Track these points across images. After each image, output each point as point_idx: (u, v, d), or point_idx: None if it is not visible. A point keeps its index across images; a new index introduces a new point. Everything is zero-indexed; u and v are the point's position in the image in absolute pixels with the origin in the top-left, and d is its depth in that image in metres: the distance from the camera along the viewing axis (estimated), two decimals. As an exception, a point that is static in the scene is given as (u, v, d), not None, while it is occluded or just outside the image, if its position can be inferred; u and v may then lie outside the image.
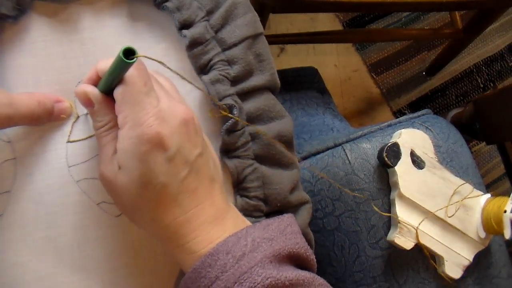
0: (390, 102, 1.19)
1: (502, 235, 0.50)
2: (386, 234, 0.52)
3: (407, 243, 0.50)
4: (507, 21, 1.30)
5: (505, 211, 0.50)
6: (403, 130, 0.53)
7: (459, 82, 1.24)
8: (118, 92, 0.29)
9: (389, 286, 0.53)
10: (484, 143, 1.22)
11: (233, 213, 0.33)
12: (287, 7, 0.70)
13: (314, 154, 0.58)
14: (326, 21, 1.18)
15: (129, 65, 0.27)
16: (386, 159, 0.51)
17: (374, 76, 1.18)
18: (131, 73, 0.29)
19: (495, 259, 0.56)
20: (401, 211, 0.50)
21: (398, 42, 1.20)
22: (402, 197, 0.51)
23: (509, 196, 0.51)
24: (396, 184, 0.51)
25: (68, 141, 0.34)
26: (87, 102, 0.31)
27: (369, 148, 0.54)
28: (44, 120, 0.33)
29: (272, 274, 0.28)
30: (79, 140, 0.34)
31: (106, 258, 0.34)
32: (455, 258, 0.52)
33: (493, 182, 1.22)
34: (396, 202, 0.51)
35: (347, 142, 0.56)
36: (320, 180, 0.55)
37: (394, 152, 0.51)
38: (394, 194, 0.52)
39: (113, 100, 0.30)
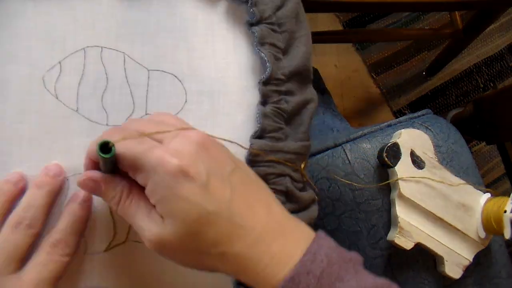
0: (390, 102, 1.19)
1: (502, 235, 0.50)
2: (386, 234, 0.52)
3: (407, 243, 0.50)
4: (507, 21, 1.30)
5: (505, 211, 0.50)
6: (403, 130, 0.53)
7: (459, 82, 1.24)
8: (125, 169, 0.28)
9: (389, 286, 0.53)
10: (484, 143, 1.22)
11: (293, 217, 0.31)
12: (287, 7, 0.70)
13: (314, 154, 0.58)
14: (326, 21, 1.18)
15: (110, 157, 0.27)
16: (386, 159, 0.51)
17: (374, 76, 1.18)
18: (123, 147, 0.27)
19: (495, 259, 0.56)
20: (401, 211, 0.50)
21: (398, 42, 1.20)
22: (402, 197, 0.51)
23: (509, 196, 0.51)
24: (396, 184, 0.51)
25: None
26: (96, 187, 0.29)
27: (369, 148, 0.54)
28: None
29: (352, 286, 0.28)
30: None
31: None
32: (455, 258, 0.52)
33: (493, 182, 1.22)
34: (396, 202, 0.51)
35: (347, 142, 0.56)
36: (320, 180, 0.55)
37: (394, 152, 0.51)
38: (394, 194, 0.52)
39: (115, 172, 0.29)
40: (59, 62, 0.35)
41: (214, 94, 0.38)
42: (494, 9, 0.83)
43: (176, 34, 0.38)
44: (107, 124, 0.35)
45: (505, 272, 0.57)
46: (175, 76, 0.37)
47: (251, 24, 0.38)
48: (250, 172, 0.31)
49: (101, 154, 0.26)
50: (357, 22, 1.19)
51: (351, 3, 0.69)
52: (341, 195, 0.53)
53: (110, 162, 0.29)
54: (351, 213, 0.53)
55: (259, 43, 0.37)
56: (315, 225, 0.55)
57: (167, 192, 0.27)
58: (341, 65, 1.17)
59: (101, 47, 0.36)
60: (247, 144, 0.36)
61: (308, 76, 0.40)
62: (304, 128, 0.38)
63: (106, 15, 0.36)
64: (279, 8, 0.38)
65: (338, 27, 1.18)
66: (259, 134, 0.37)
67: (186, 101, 0.37)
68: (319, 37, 0.88)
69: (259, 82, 0.38)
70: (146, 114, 0.36)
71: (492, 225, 0.51)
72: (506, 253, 0.58)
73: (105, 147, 0.27)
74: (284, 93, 0.38)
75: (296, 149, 0.37)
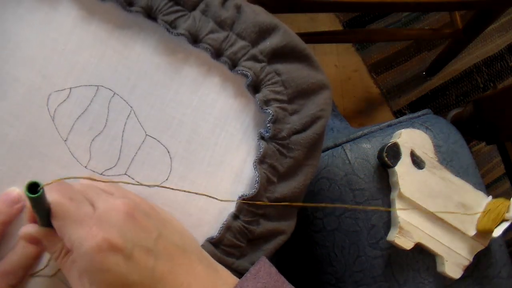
0: (390, 102, 1.19)
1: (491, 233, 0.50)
2: (386, 234, 0.52)
3: (407, 243, 0.50)
4: (507, 21, 1.29)
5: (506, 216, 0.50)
6: (403, 130, 0.53)
7: (459, 82, 1.24)
8: (52, 221, 0.29)
9: (389, 286, 0.53)
10: (484, 143, 1.22)
11: (221, 275, 0.33)
12: (287, 7, 0.70)
13: (314, 154, 0.58)
14: (326, 21, 1.18)
15: (39, 198, 0.27)
16: (386, 159, 0.51)
17: (374, 76, 1.18)
18: (53, 197, 0.28)
19: (495, 259, 0.56)
20: (401, 211, 0.50)
21: (398, 42, 1.20)
22: (402, 197, 0.51)
23: (509, 199, 0.51)
24: (396, 184, 0.51)
25: None
26: (35, 241, 0.30)
27: (369, 148, 0.54)
28: None
29: None
30: None
31: None
32: (455, 258, 0.52)
33: (493, 182, 1.22)
34: (396, 202, 0.51)
35: (347, 142, 0.56)
36: (320, 180, 0.55)
37: (394, 152, 0.51)
38: (394, 194, 0.52)
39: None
40: (70, 88, 0.35)
41: (196, 185, 0.37)
42: (494, 9, 0.83)
43: (187, 111, 0.37)
44: (85, 167, 0.35)
45: (505, 272, 0.57)
46: (168, 152, 0.36)
47: (262, 137, 0.37)
48: (174, 234, 0.32)
49: (28, 193, 0.26)
50: (357, 22, 1.19)
51: (351, 3, 0.69)
52: (341, 195, 0.53)
53: (41, 211, 0.28)
54: (351, 213, 0.53)
55: (260, 160, 0.36)
56: (315, 225, 0.55)
57: (92, 264, 0.28)
58: (341, 65, 1.17)
59: (114, 93, 0.35)
60: (201, 242, 0.36)
61: (294, 207, 0.38)
62: (265, 255, 0.36)
63: (133, 64, 0.36)
64: (296, 132, 0.37)
65: (338, 27, 1.18)
66: (214, 242, 0.36)
67: (166, 179, 0.36)
68: (319, 37, 0.88)
69: (239, 197, 0.36)
70: (125, 173, 0.36)
71: (487, 226, 0.51)
72: (506, 253, 0.58)
73: (34, 189, 0.26)
74: (260, 215, 0.37)
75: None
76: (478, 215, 0.53)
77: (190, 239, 0.34)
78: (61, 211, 0.28)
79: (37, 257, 0.33)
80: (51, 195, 0.29)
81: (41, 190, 0.26)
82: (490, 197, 0.54)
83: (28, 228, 0.30)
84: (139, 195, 0.34)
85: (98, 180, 0.33)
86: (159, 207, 0.35)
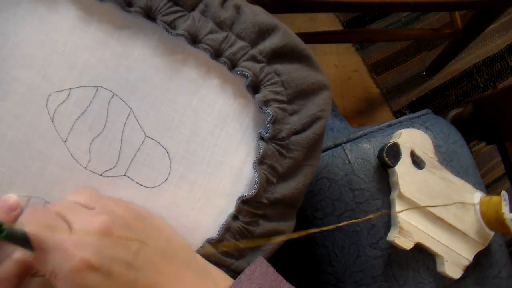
0: (390, 102, 1.19)
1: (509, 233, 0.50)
2: (386, 234, 0.52)
3: (407, 243, 0.50)
4: (507, 21, 1.29)
5: (503, 213, 0.49)
6: (403, 130, 0.53)
7: (459, 82, 1.24)
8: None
9: (389, 286, 0.52)
10: (484, 143, 1.22)
11: (214, 278, 0.32)
12: (287, 7, 0.70)
13: (314, 154, 0.58)
14: (326, 21, 1.18)
15: (8, 236, 0.27)
16: (386, 159, 0.51)
17: (374, 76, 1.18)
18: (27, 228, 0.28)
19: (495, 259, 0.56)
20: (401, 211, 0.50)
21: (398, 42, 1.20)
22: (402, 197, 0.51)
23: (500, 195, 0.51)
24: (396, 184, 0.51)
25: None
26: (27, 265, 0.31)
27: (369, 148, 0.54)
28: None
29: None
30: None
31: None
32: (455, 258, 0.52)
33: (493, 182, 1.22)
34: (396, 202, 0.51)
35: (347, 142, 0.56)
36: (320, 180, 0.55)
37: (394, 152, 0.51)
38: (394, 194, 0.52)
39: None
40: (70, 89, 0.34)
41: (196, 186, 0.37)
42: (494, 9, 0.83)
43: (187, 112, 0.36)
44: (85, 167, 0.35)
45: (505, 272, 0.57)
46: (167, 153, 0.36)
47: (261, 138, 0.37)
48: (160, 245, 0.32)
49: None
50: (357, 22, 1.19)
51: (351, 3, 0.69)
52: (341, 195, 0.53)
53: (20, 242, 0.29)
54: (351, 213, 0.53)
55: (259, 160, 0.36)
56: (315, 225, 0.55)
57: (73, 286, 0.28)
58: (341, 65, 1.17)
59: (113, 94, 0.35)
60: (199, 244, 0.36)
61: (294, 207, 0.38)
62: (264, 256, 0.37)
63: (132, 65, 0.36)
64: (296, 133, 0.37)
65: (338, 27, 1.18)
66: (214, 243, 0.36)
67: (166, 180, 0.36)
68: (319, 37, 0.88)
69: (239, 198, 0.36)
70: (124, 174, 0.35)
71: (497, 227, 0.51)
72: (506, 253, 0.58)
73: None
74: (259, 216, 0.37)
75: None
76: (478, 216, 0.53)
77: (179, 245, 0.33)
78: (37, 241, 0.29)
79: (33, 266, 0.33)
80: (26, 225, 0.29)
81: (4, 232, 0.27)
82: (479, 194, 0.53)
83: (17, 253, 0.31)
84: (127, 202, 0.34)
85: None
86: (149, 213, 0.34)
